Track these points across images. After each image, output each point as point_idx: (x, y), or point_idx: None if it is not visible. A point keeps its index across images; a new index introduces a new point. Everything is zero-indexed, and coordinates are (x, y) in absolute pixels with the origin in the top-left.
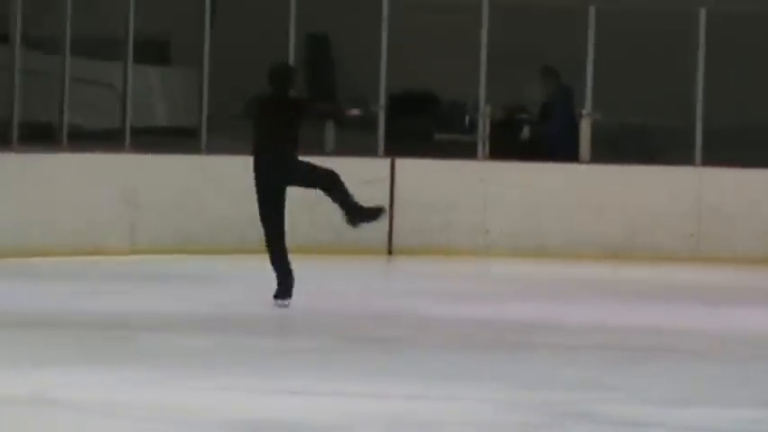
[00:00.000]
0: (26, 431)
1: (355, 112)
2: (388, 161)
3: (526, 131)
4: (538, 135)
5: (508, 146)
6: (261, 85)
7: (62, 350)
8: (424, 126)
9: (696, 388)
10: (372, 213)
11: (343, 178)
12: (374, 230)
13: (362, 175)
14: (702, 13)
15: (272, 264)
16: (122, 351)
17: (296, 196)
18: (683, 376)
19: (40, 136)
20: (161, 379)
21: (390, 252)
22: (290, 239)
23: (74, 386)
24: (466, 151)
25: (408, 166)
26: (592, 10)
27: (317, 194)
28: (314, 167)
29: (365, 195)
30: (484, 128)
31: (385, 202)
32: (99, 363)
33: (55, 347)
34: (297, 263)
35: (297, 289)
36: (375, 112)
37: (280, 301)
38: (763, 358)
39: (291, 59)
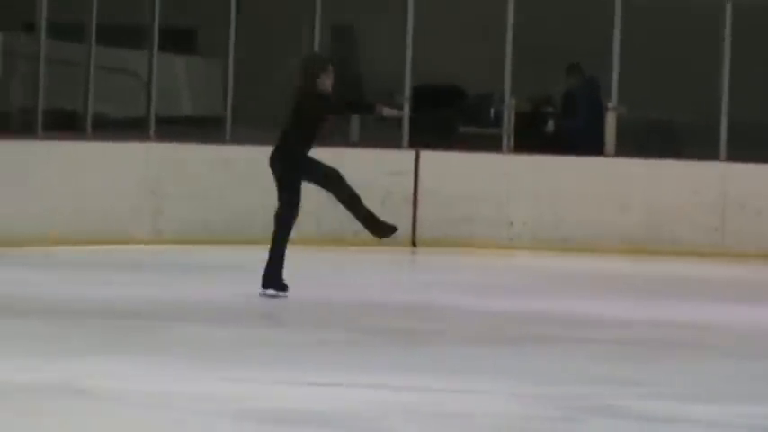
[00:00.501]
0: (54, 419)
1: (390, 112)
2: (412, 153)
3: (551, 125)
4: (562, 128)
5: (533, 139)
6: (285, 76)
7: (88, 339)
8: (448, 118)
9: (718, 384)
10: (389, 229)
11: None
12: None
13: (387, 166)
14: (728, 6)
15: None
16: (147, 340)
17: (320, 190)
18: (706, 372)
19: (65, 124)
20: (187, 369)
21: (414, 244)
22: (314, 232)
23: (99, 375)
24: (490, 144)
25: (433, 159)
26: (618, 3)
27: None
28: (317, 164)
29: (390, 186)
30: (509, 121)
31: (409, 194)
32: (124, 352)
33: (80, 336)
34: (321, 255)
35: (323, 280)
36: (400, 104)
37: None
38: None
39: (317, 51)
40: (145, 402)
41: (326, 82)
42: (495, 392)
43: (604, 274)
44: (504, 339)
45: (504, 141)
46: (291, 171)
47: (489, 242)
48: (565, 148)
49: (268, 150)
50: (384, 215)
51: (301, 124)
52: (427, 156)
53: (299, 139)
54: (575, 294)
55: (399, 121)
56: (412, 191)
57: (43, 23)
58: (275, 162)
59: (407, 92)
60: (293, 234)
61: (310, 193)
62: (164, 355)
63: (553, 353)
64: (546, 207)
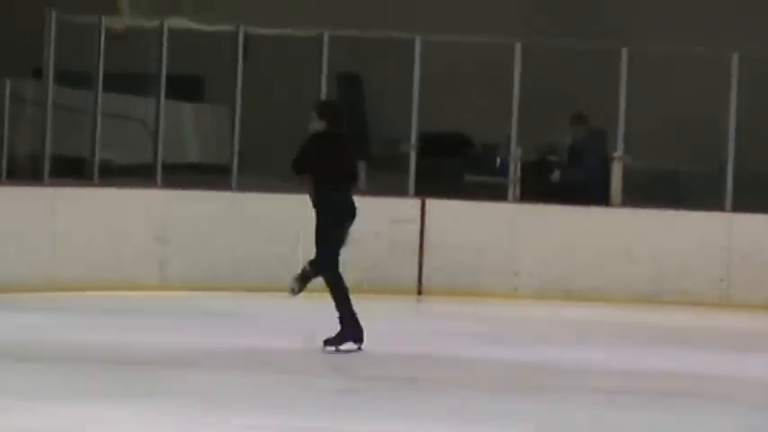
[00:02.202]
0: None
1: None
2: (418, 201)
3: (557, 174)
4: (568, 178)
5: (539, 188)
6: (292, 124)
7: (93, 385)
8: (454, 167)
9: None
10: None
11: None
12: (404, 270)
13: (393, 214)
14: (735, 57)
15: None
16: (152, 385)
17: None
18: (710, 422)
19: (72, 170)
20: (190, 414)
21: (420, 292)
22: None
23: (104, 421)
24: (496, 193)
25: (439, 207)
26: (624, 53)
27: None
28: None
29: (395, 235)
30: (515, 170)
31: (415, 243)
32: (129, 397)
33: (86, 382)
34: (327, 303)
35: (324, 327)
36: (407, 153)
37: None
38: None
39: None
40: None
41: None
42: None
43: (610, 324)
44: (508, 388)
45: (510, 190)
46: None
47: (494, 291)
48: (570, 197)
49: (273, 198)
50: (390, 263)
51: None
52: (433, 204)
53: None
54: (580, 345)
55: (406, 168)
56: (418, 239)
57: (51, 70)
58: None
59: (414, 140)
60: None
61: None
62: (167, 401)
63: (558, 401)
64: (551, 257)
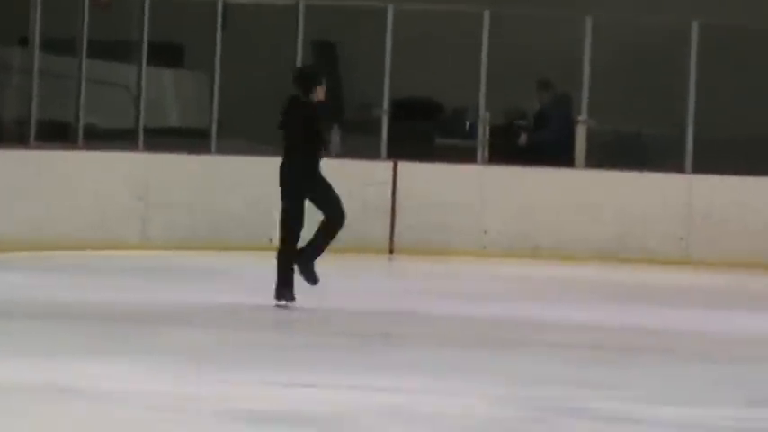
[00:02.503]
0: (39, 419)
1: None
2: (390, 164)
3: (524, 138)
4: (534, 141)
5: (506, 151)
6: (269, 90)
7: (82, 341)
8: (425, 131)
9: (686, 387)
10: (311, 280)
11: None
12: (376, 231)
13: (365, 177)
14: (695, 25)
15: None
16: (134, 342)
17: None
18: (674, 375)
19: (58, 135)
20: (173, 370)
21: (392, 251)
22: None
23: (86, 376)
24: (466, 155)
25: (410, 170)
26: (588, 21)
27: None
28: (328, 192)
29: (368, 196)
30: (483, 133)
31: (387, 204)
32: (111, 353)
33: (75, 339)
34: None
35: (303, 286)
36: (379, 117)
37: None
38: (750, 359)
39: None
40: (138, 402)
41: (320, 94)
42: (471, 394)
43: (575, 281)
44: (478, 343)
45: (479, 153)
46: (304, 182)
47: (464, 250)
48: (537, 159)
49: (251, 160)
50: (363, 224)
51: (309, 136)
52: (405, 167)
53: (308, 151)
54: (546, 301)
55: (378, 132)
56: (390, 200)
57: (37, 38)
58: (287, 175)
59: (386, 105)
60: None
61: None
62: (156, 357)
63: (527, 356)
64: (519, 216)
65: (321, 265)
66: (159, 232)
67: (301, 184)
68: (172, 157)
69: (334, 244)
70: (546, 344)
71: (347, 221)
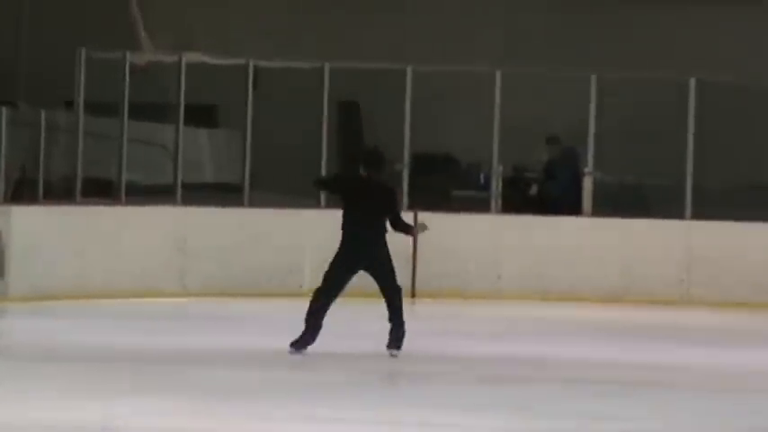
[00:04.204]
0: None
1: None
2: (411, 215)
3: (534, 189)
4: (544, 192)
5: (518, 201)
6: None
7: (122, 382)
8: (443, 184)
9: (688, 419)
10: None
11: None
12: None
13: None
14: (692, 82)
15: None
16: (175, 383)
17: (330, 246)
18: (677, 408)
19: (101, 191)
20: (210, 408)
21: (414, 295)
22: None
23: (133, 414)
24: (480, 206)
25: (429, 220)
26: (593, 79)
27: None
28: (392, 271)
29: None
30: (497, 185)
31: (409, 251)
32: (155, 393)
33: (115, 380)
34: (332, 306)
35: (333, 329)
36: (400, 171)
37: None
38: (749, 392)
39: (325, 124)
40: None
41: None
42: (486, 428)
43: (583, 321)
44: (494, 380)
45: (493, 203)
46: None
47: (480, 293)
48: (546, 209)
49: (281, 213)
50: None
51: (394, 217)
52: (424, 217)
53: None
54: (557, 340)
55: (399, 185)
56: (411, 248)
57: (81, 101)
58: (376, 248)
59: (406, 160)
60: (305, 287)
61: (321, 249)
62: (189, 397)
63: (538, 392)
64: (530, 262)
65: (348, 309)
66: (196, 281)
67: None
68: (207, 211)
69: (361, 290)
70: (558, 380)
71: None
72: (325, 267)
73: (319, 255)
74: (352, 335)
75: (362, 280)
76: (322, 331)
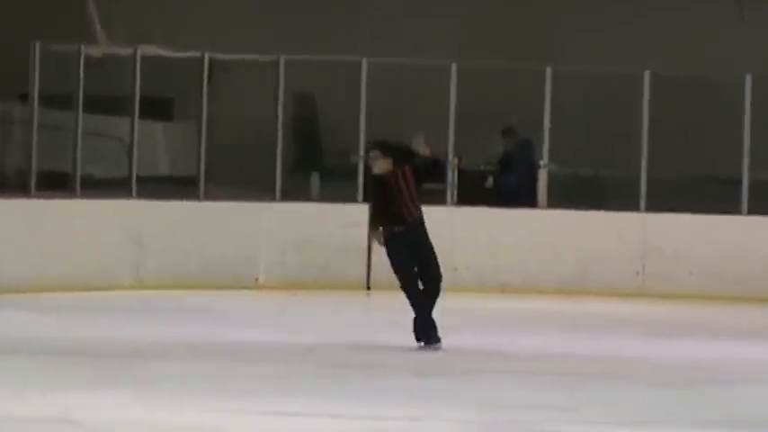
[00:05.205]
0: None
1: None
2: (366, 206)
3: (490, 181)
4: (500, 184)
5: (474, 193)
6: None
7: (79, 375)
8: None
9: (640, 410)
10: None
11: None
12: (354, 269)
13: (343, 218)
14: (647, 75)
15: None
16: (133, 375)
17: (286, 238)
18: (629, 399)
19: (56, 184)
20: (169, 401)
21: (369, 288)
22: (281, 277)
23: (90, 407)
24: (436, 198)
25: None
26: (548, 72)
27: (303, 235)
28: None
29: (346, 237)
30: (452, 177)
31: (363, 243)
32: (113, 385)
33: (72, 373)
34: (285, 297)
35: (286, 320)
36: (355, 163)
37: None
38: (700, 384)
39: (281, 116)
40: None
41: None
42: (441, 420)
43: (539, 313)
44: (450, 372)
45: (449, 195)
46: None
47: None
48: (502, 201)
49: (237, 205)
50: (342, 262)
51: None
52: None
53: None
54: (513, 331)
55: (355, 177)
56: (366, 240)
57: (36, 94)
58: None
59: (362, 151)
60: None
61: (276, 241)
62: (147, 388)
63: (494, 384)
64: (486, 254)
65: (305, 301)
66: (151, 274)
67: None
68: (163, 204)
69: (316, 282)
70: (511, 371)
71: (327, 261)
72: (282, 259)
73: (275, 247)
74: (306, 326)
75: (318, 273)
76: (278, 323)
